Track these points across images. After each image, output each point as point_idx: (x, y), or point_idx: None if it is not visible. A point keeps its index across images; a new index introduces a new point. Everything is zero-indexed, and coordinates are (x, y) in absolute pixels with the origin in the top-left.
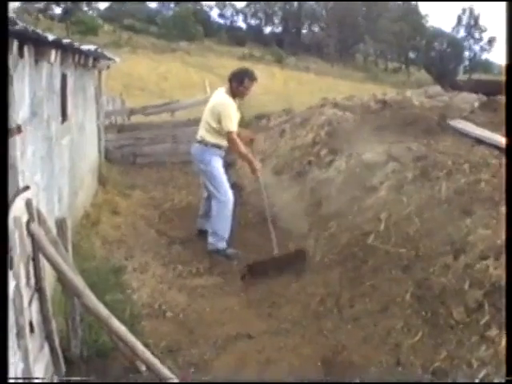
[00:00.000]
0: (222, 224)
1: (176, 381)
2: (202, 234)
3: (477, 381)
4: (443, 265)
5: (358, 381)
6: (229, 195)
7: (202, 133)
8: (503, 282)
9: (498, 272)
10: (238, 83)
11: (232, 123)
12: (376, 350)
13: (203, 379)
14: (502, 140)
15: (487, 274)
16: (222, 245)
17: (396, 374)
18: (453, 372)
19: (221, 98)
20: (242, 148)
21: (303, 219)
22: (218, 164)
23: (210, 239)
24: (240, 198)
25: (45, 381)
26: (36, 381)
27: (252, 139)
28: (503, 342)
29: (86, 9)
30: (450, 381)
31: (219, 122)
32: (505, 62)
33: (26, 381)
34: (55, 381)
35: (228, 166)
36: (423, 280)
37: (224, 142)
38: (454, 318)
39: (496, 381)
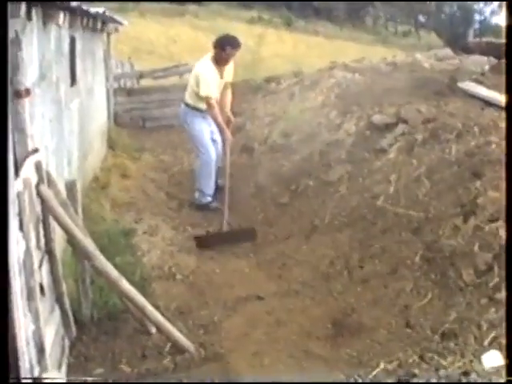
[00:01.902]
0: (205, 181)
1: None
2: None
3: (486, 343)
4: (453, 227)
5: (360, 380)
6: (210, 153)
7: (186, 96)
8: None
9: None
10: (220, 50)
11: (209, 89)
12: (385, 312)
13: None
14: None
15: (497, 237)
16: (206, 200)
17: (405, 336)
18: (462, 334)
19: (202, 64)
20: (218, 115)
21: (312, 181)
22: (198, 125)
23: (196, 195)
24: (250, 160)
25: (46, 380)
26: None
27: (229, 121)
28: None
29: None
30: (460, 344)
31: (198, 86)
32: (505, 23)
33: (27, 381)
34: (66, 343)
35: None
36: (433, 242)
37: (204, 105)
38: (463, 280)
39: (503, 341)
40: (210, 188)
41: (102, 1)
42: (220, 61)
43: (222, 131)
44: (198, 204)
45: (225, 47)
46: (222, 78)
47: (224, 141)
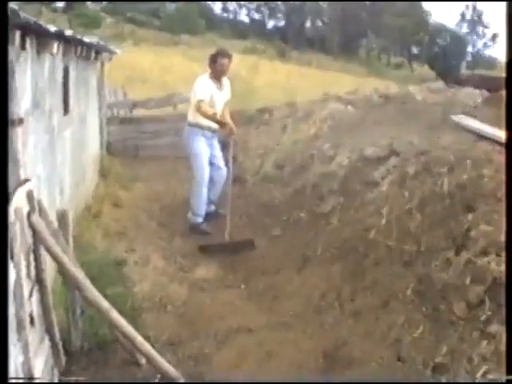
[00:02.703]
0: (196, 200)
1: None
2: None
3: (478, 377)
4: (445, 260)
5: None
6: (203, 174)
7: (188, 115)
8: (504, 278)
9: (499, 268)
10: (214, 64)
11: (200, 93)
12: (377, 345)
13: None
14: (504, 135)
15: (489, 270)
16: (197, 220)
17: (397, 369)
18: (454, 368)
19: (199, 78)
20: (209, 112)
21: (304, 213)
22: (198, 144)
23: (189, 215)
24: (243, 191)
25: (45, 380)
26: (36, 381)
27: (232, 132)
28: (504, 338)
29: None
30: (451, 378)
31: (195, 97)
32: (505, 59)
33: (27, 381)
34: (55, 373)
35: (223, 147)
36: (424, 275)
37: (205, 121)
38: (455, 314)
39: (496, 376)
40: (200, 209)
41: (99, 0)
42: (216, 74)
43: (221, 127)
44: (189, 225)
45: (216, 58)
46: (221, 90)
47: (227, 136)
